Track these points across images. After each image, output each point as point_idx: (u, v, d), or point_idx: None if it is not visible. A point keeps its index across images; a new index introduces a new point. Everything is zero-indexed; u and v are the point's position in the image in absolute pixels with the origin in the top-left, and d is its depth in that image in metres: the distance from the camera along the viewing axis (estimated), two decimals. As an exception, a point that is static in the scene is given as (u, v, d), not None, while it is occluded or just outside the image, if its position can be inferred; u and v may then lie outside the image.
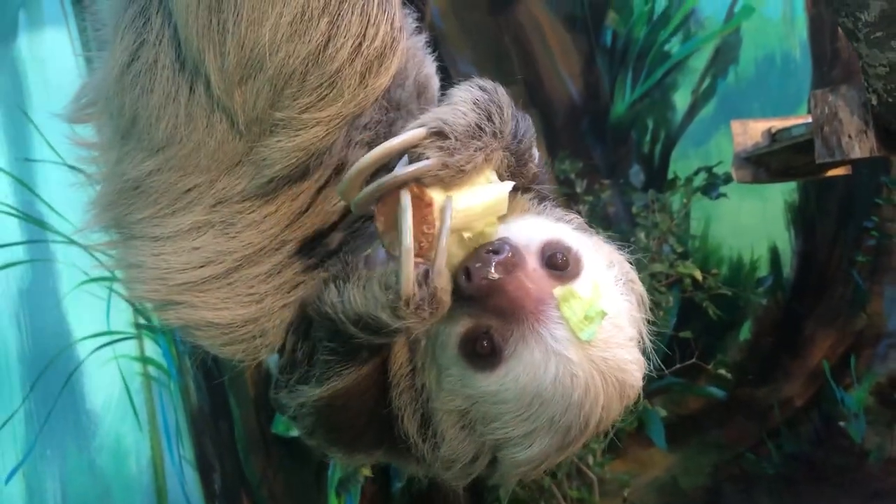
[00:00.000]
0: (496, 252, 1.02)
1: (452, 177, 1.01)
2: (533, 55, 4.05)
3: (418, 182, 1.00)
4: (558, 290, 1.05)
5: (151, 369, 3.16)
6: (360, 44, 1.01)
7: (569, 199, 3.75)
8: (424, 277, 0.98)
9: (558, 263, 1.08)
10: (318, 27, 0.99)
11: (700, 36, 4.03)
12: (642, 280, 3.40)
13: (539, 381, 1.03)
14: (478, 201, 1.04)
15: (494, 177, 1.08)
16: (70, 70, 2.96)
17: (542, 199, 1.27)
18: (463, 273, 1.02)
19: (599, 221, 3.73)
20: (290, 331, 1.18)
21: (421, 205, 0.99)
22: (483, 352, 1.06)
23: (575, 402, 1.03)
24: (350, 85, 1.03)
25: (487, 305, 1.04)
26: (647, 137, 4.08)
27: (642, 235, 3.52)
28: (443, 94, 1.13)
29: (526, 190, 1.25)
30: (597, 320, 1.03)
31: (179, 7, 1.02)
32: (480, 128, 1.04)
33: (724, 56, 4.02)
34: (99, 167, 1.20)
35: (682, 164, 3.94)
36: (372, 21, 1.01)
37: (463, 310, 1.07)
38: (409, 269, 0.96)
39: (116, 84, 1.08)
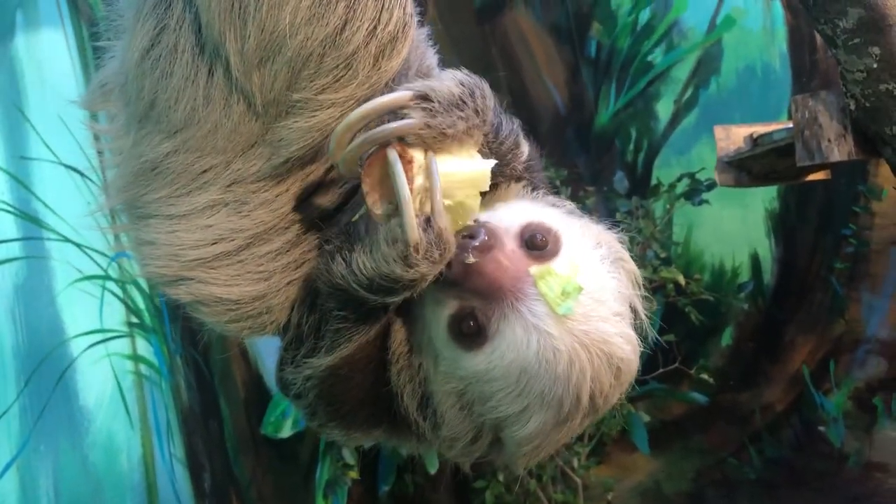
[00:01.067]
0: (472, 237, 1.07)
1: (434, 138, 1.06)
2: (518, 65, 4.09)
3: (402, 141, 1.05)
4: (534, 269, 1.09)
5: (143, 368, 3.17)
6: (375, 27, 1.06)
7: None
8: (427, 222, 1.02)
9: (537, 243, 1.12)
10: (335, 11, 1.03)
11: (683, 47, 4.09)
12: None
13: (523, 356, 1.07)
14: (459, 170, 1.08)
15: (477, 155, 1.12)
16: (66, 70, 2.99)
17: (534, 187, 1.32)
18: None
19: (584, 228, 3.76)
20: (295, 307, 1.22)
21: (402, 162, 1.04)
22: (469, 331, 1.10)
23: (560, 374, 1.06)
24: (364, 67, 1.08)
25: (469, 287, 1.09)
26: (631, 146, 4.13)
27: (626, 242, 3.55)
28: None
29: (519, 179, 1.30)
30: (573, 295, 1.07)
31: None
32: (463, 101, 1.09)
33: (706, 66, 4.08)
34: (114, 151, 1.23)
35: (664, 171, 4.00)
36: (386, 6, 1.06)
37: (449, 293, 1.12)
38: (411, 216, 1.01)
39: (136, 68, 1.11)
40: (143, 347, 3.17)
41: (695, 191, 3.58)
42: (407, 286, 1.06)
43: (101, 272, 3.04)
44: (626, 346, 1.12)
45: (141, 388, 3.15)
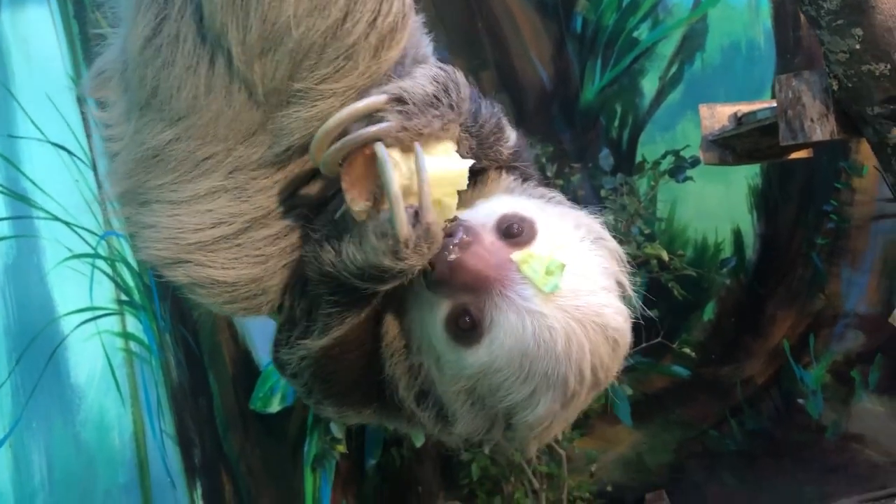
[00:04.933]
0: (451, 235, 1.09)
1: (412, 139, 1.08)
2: (504, 41, 4.08)
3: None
4: (516, 255, 1.11)
5: (133, 345, 3.18)
6: (376, 18, 1.07)
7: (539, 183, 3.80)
8: (415, 217, 1.05)
9: (514, 232, 1.14)
10: (337, 2, 1.05)
11: (668, 23, 4.09)
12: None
13: (521, 340, 1.09)
14: (437, 169, 1.09)
15: (456, 154, 1.15)
16: (52, 48, 2.97)
17: (525, 177, 1.34)
18: (427, 265, 1.09)
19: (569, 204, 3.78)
20: (286, 290, 1.24)
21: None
22: (466, 327, 1.12)
23: (561, 352, 1.08)
24: (365, 57, 1.09)
25: (457, 284, 1.10)
26: (616, 122, 4.14)
27: (611, 218, 3.56)
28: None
29: (510, 169, 1.32)
30: (557, 272, 1.09)
31: None
32: (438, 98, 1.11)
33: (691, 43, 4.09)
34: (113, 138, 1.24)
35: (649, 148, 4.01)
36: None
37: (440, 295, 1.14)
38: (401, 212, 1.03)
39: (138, 57, 1.12)
40: (133, 325, 3.18)
41: (679, 168, 3.60)
42: (397, 276, 1.08)
43: (90, 250, 3.04)
44: (618, 317, 1.14)
45: (131, 366, 3.16)
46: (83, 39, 3.00)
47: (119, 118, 1.21)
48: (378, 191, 1.06)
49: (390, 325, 1.23)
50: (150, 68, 1.12)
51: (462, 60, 3.98)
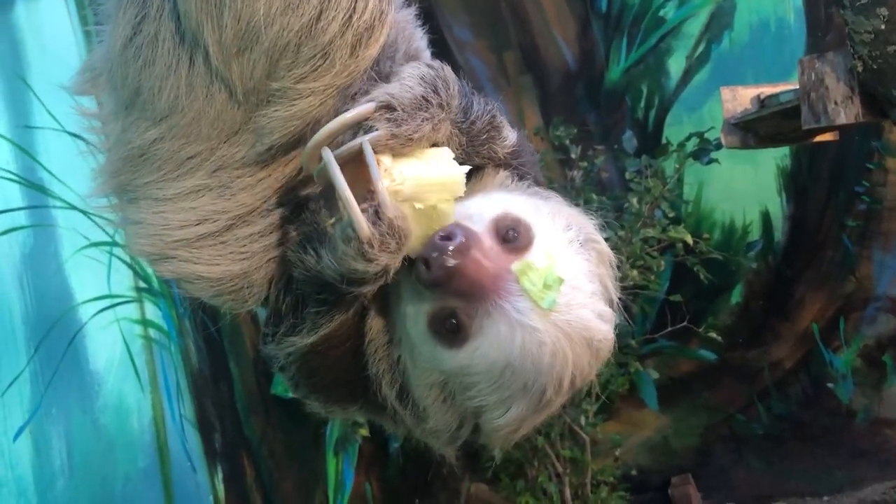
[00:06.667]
0: (449, 238, 1.06)
1: (402, 145, 1.08)
2: (528, 20, 4.04)
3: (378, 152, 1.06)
4: (515, 265, 1.09)
5: (152, 331, 3.22)
6: (351, 17, 1.05)
7: (563, 165, 3.78)
8: (375, 215, 1.03)
9: (510, 237, 1.12)
10: (310, 1, 1.03)
11: (695, 1, 4.03)
12: (634, 245, 3.39)
13: (507, 352, 1.07)
14: (430, 174, 1.08)
15: (452, 159, 1.13)
16: (67, 37, 2.99)
17: (521, 176, 1.31)
18: (422, 263, 1.06)
19: (593, 187, 3.76)
20: (272, 284, 1.24)
21: (369, 169, 1.05)
22: (451, 329, 1.10)
23: (545, 366, 1.07)
24: (342, 56, 1.07)
25: (450, 289, 1.08)
26: (642, 103, 4.09)
27: (635, 200, 3.53)
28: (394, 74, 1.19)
29: (503, 165, 1.29)
30: (556, 287, 1.07)
31: None
32: (427, 100, 1.10)
33: (719, 21, 4.02)
34: (104, 137, 1.24)
35: (675, 129, 3.97)
36: None
37: (428, 291, 1.11)
38: (357, 213, 1.01)
39: (120, 57, 1.12)
40: (152, 311, 3.22)
41: (703, 150, 3.54)
42: (375, 278, 1.07)
43: (108, 238, 3.07)
44: (603, 326, 1.13)
45: (150, 352, 3.20)
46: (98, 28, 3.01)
47: (108, 116, 1.21)
48: (368, 194, 1.05)
49: (374, 321, 1.22)
50: (132, 68, 1.11)
51: (485, 41, 3.96)
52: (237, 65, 1.07)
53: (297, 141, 1.13)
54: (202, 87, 1.10)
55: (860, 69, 1.95)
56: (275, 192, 1.19)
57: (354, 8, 1.05)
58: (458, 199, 1.12)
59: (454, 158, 1.13)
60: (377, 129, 1.06)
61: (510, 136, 1.27)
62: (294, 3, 1.03)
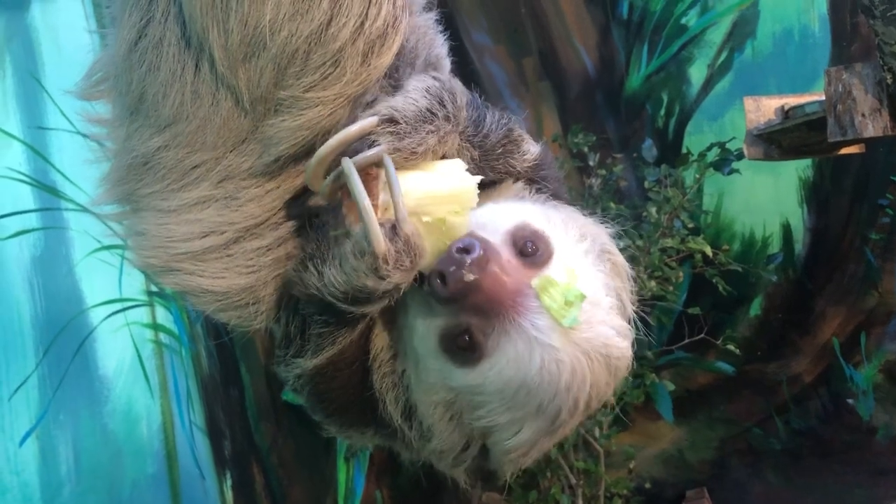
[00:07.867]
0: (467, 251, 1.01)
1: (406, 159, 1.05)
2: (548, 26, 4.01)
3: (375, 165, 1.03)
4: (535, 281, 1.05)
5: (163, 336, 3.20)
6: (363, 23, 1.02)
7: (581, 173, 3.74)
8: (392, 231, 0.99)
9: (529, 250, 1.08)
10: (319, 6, 0.99)
11: (718, 9, 3.98)
12: (652, 255, 3.34)
13: (524, 371, 1.03)
14: (437, 186, 1.05)
15: (464, 171, 1.09)
16: (82, 39, 2.96)
17: (538, 190, 1.26)
18: (437, 277, 1.01)
19: (611, 195, 3.72)
20: (282, 305, 1.20)
21: (378, 183, 1.03)
22: (464, 346, 1.06)
23: (563, 387, 1.03)
24: (353, 64, 1.04)
25: (466, 304, 1.04)
26: (662, 111, 4.05)
27: (654, 210, 3.48)
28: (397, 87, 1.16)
29: (522, 178, 1.25)
30: (577, 304, 1.03)
31: None
32: (432, 112, 1.07)
33: (742, 30, 3.97)
34: (110, 143, 1.21)
35: (696, 138, 3.92)
36: (374, 0, 1.02)
37: (441, 306, 1.07)
38: (375, 226, 0.98)
39: (124, 61, 1.09)
40: (163, 316, 3.20)
41: (724, 160, 3.49)
42: (382, 296, 1.03)
43: (119, 241, 3.05)
44: (622, 343, 1.09)
45: (161, 357, 3.18)
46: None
47: (113, 122, 1.18)
48: (377, 209, 1.02)
49: (378, 337, 1.18)
50: (136, 73, 1.08)
51: (504, 47, 3.93)
52: (244, 72, 1.03)
53: (306, 152, 1.10)
54: (208, 93, 1.06)
55: (890, 81, 1.91)
56: (285, 204, 1.15)
57: (367, 14, 1.01)
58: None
59: (466, 170, 1.08)
60: (379, 144, 1.03)
61: (531, 149, 1.22)
62: (303, 8, 0.99)
